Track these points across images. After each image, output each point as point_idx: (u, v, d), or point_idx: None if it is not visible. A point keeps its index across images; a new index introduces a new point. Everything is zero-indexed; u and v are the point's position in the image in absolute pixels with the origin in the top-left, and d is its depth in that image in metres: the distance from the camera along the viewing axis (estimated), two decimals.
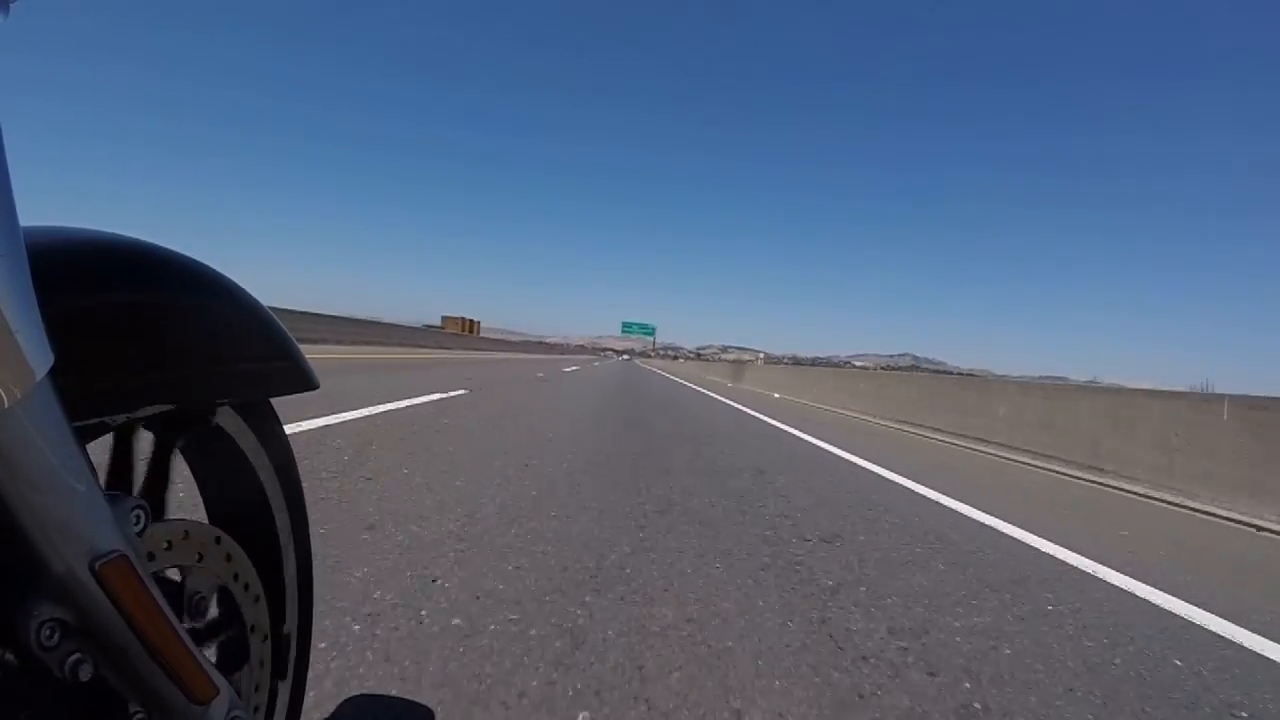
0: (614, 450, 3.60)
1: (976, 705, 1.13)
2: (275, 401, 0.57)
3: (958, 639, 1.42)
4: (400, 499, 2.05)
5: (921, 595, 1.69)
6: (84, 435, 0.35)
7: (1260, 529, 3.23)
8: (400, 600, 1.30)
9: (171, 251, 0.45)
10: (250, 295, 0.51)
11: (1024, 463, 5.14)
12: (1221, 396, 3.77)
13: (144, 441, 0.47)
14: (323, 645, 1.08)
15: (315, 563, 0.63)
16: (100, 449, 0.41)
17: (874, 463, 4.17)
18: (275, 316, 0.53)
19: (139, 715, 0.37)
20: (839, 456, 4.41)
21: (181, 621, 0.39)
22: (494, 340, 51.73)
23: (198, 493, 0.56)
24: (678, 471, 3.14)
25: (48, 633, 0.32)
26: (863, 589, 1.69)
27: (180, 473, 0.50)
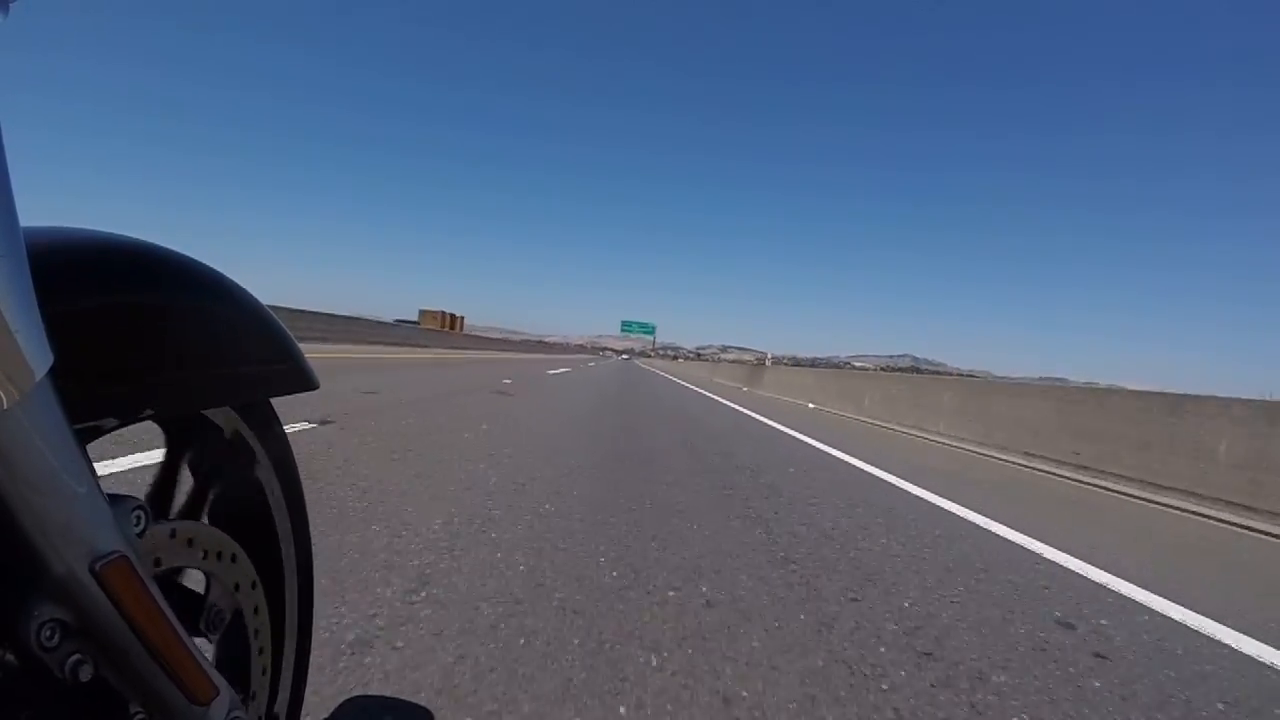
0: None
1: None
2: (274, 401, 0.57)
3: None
4: None
5: None
6: (84, 437, 0.35)
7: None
8: None
9: (172, 252, 0.45)
10: (250, 295, 0.51)
11: None
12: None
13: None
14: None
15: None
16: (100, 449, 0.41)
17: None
18: (275, 317, 0.54)
19: (139, 716, 0.37)
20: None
21: (181, 622, 0.39)
22: (480, 338, 44.43)
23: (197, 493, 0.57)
24: None
25: (48, 633, 0.32)
26: None
27: (181, 473, 0.50)
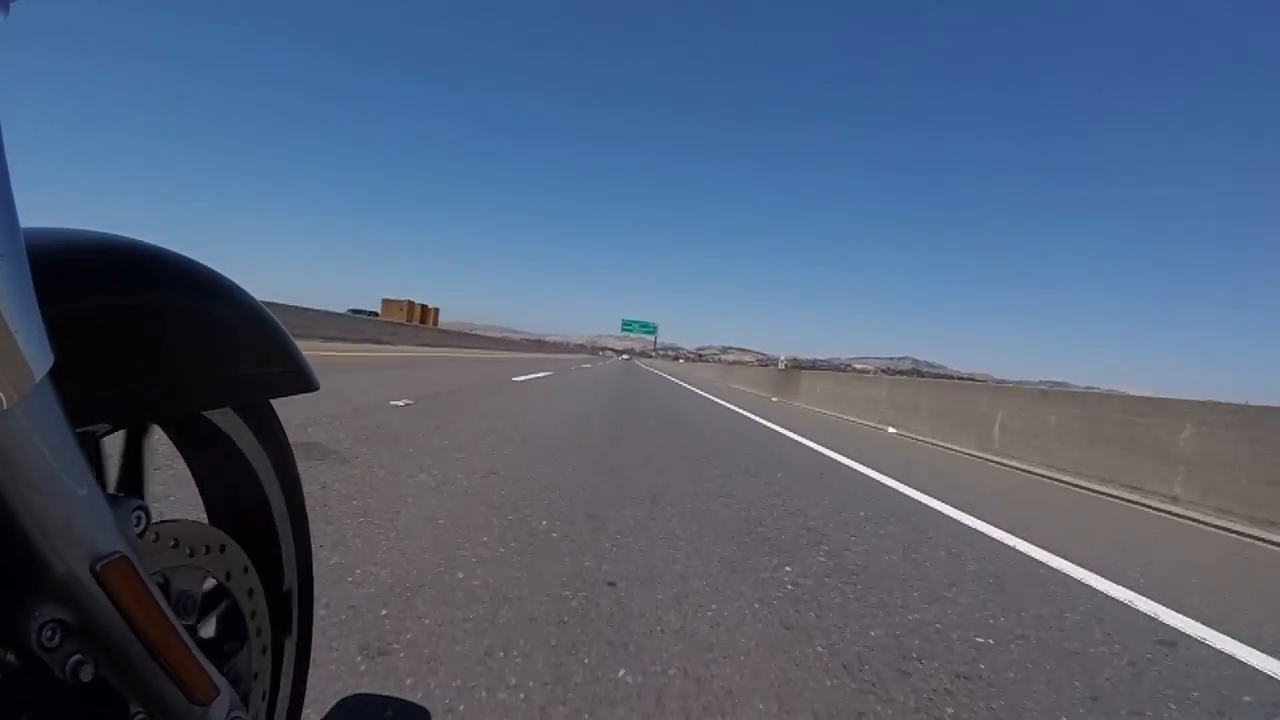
0: None
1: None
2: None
3: None
4: None
5: None
6: (83, 439, 0.35)
7: None
8: None
9: (171, 253, 0.45)
10: (250, 296, 0.51)
11: None
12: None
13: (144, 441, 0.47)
14: None
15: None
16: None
17: None
18: (275, 318, 0.54)
19: (140, 716, 0.37)
20: None
21: (182, 622, 0.39)
22: (460, 334, 36.86)
23: (198, 493, 0.56)
24: None
25: (49, 634, 0.32)
26: None
27: (180, 473, 0.50)
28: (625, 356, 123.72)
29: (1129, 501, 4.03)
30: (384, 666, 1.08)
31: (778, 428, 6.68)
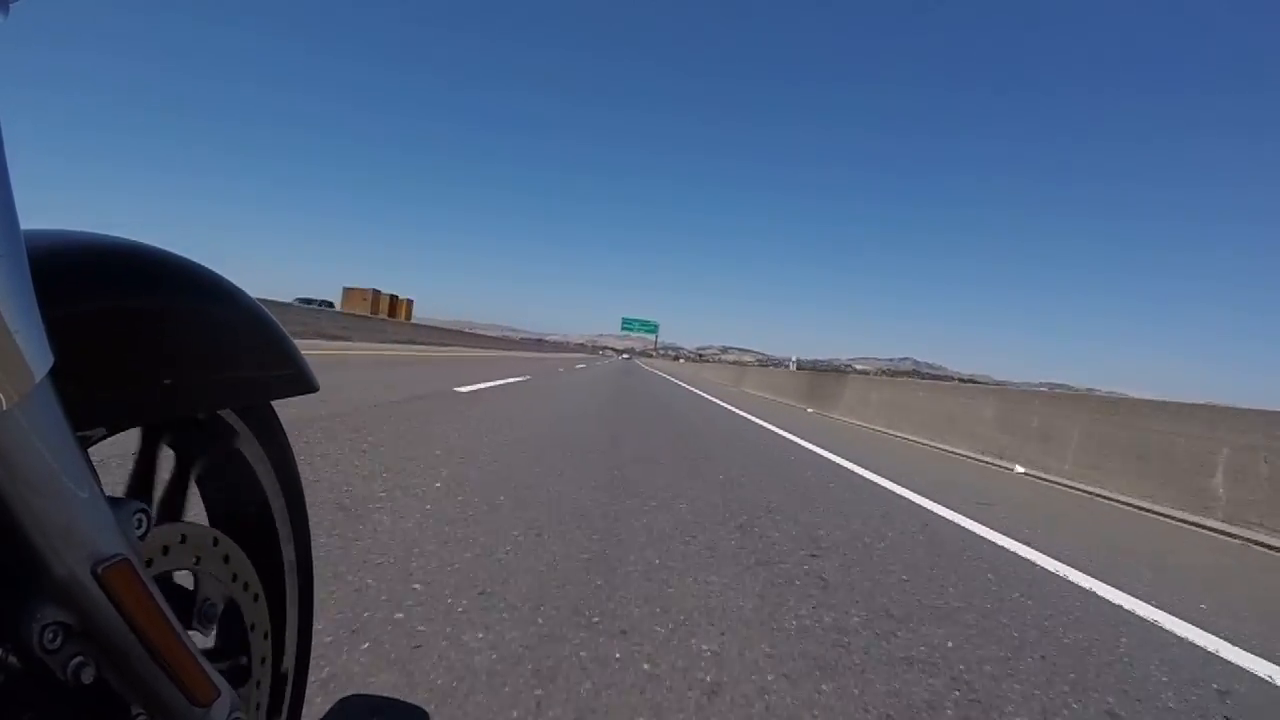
0: None
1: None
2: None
3: None
4: None
5: None
6: (85, 440, 0.35)
7: None
8: None
9: (172, 254, 0.45)
10: (250, 298, 0.51)
11: None
12: None
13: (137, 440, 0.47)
14: None
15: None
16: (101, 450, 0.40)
17: None
18: (275, 319, 0.54)
19: (141, 717, 0.37)
20: None
21: (183, 624, 0.39)
22: (439, 331, 30.83)
23: (197, 494, 0.56)
24: None
25: (50, 636, 0.32)
26: None
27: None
28: (625, 356, 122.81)
29: None
30: None
31: (866, 472, 4.08)
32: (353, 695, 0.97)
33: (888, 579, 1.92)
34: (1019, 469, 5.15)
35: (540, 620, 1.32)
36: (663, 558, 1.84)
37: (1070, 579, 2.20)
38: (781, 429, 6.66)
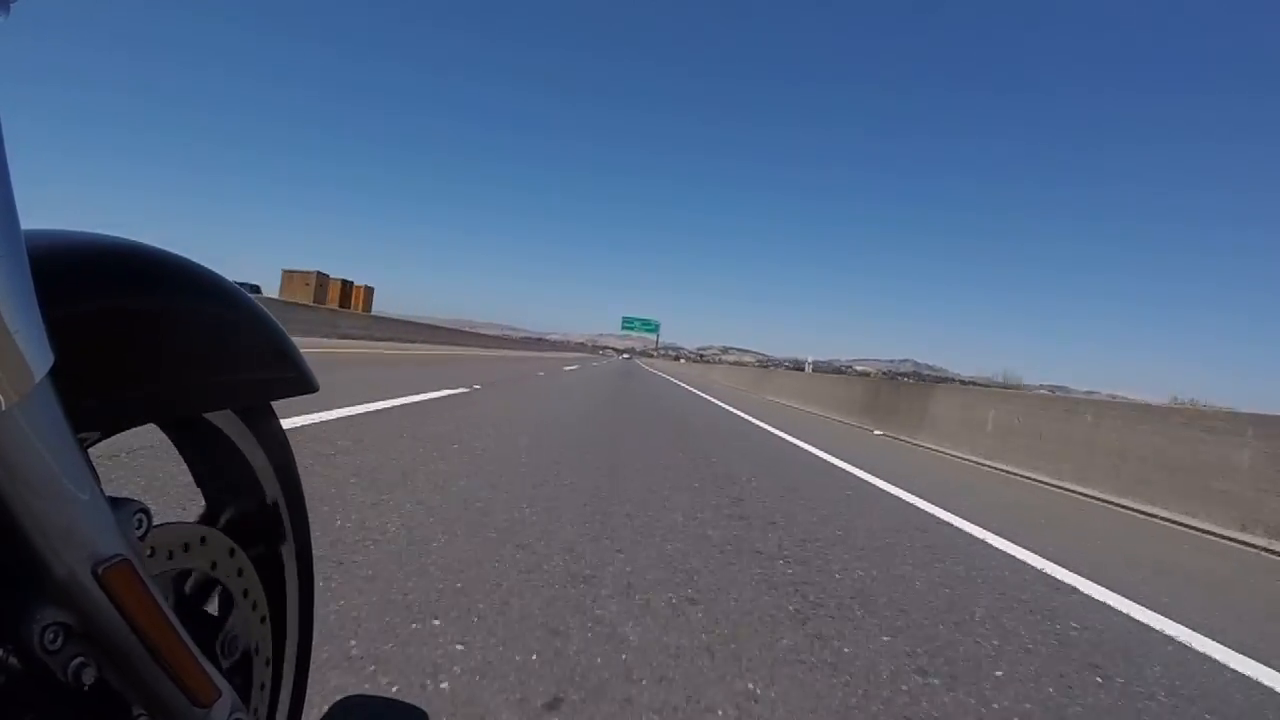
0: None
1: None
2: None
3: None
4: None
5: None
6: (85, 440, 0.35)
7: None
8: None
9: (172, 255, 0.45)
10: (250, 298, 0.51)
11: None
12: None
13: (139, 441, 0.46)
14: None
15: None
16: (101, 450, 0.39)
17: None
18: (276, 320, 0.54)
19: (142, 718, 0.37)
20: None
21: (183, 624, 0.39)
22: (406, 325, 25.37)
23: (197, 494, 0.56)
24: None
25: (51, 636, 0.32)
26: None
27: (180, 473, 0.50)
28: (625, 356, 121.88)
29: None
30: None
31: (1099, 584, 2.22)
32: (352, 695, 0.97)
33: None
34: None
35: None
36: None
37: None
38: (880, 478, 3.97)
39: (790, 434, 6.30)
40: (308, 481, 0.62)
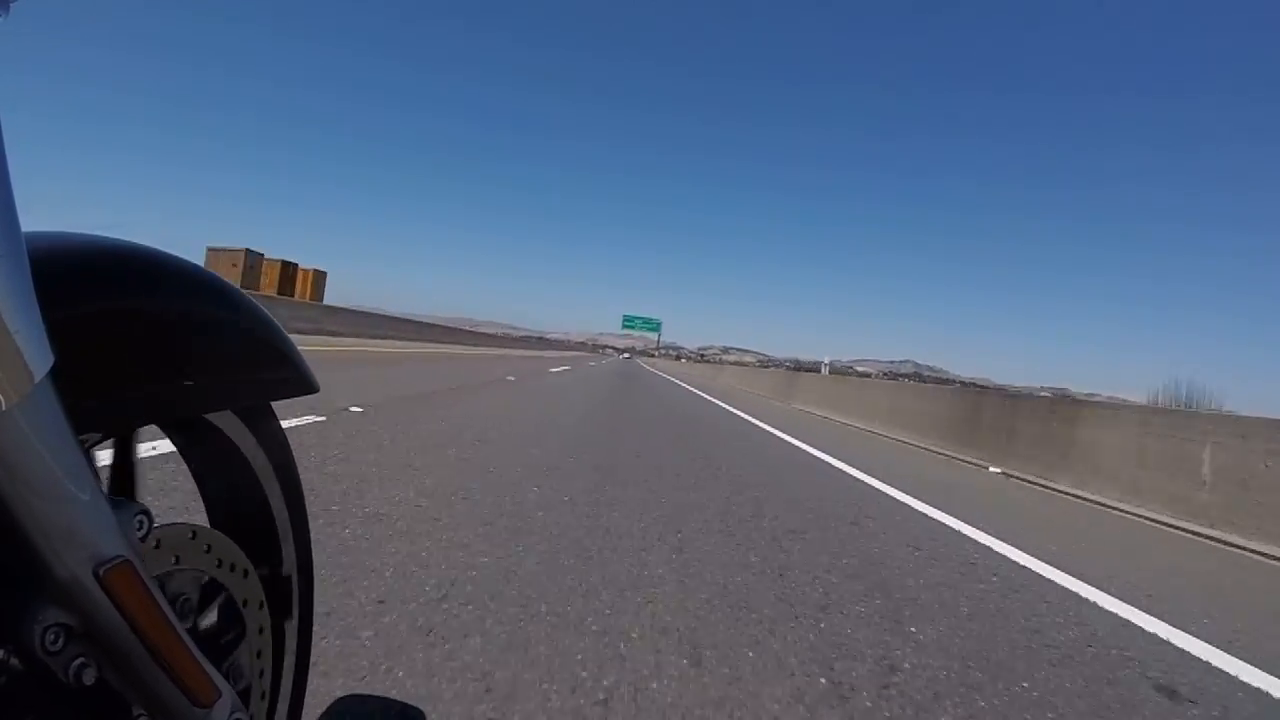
0: None
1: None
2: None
3: None
4: None
5: None
6: (86, 441, 0.35)
7: None
8: None
9: (172, 256, 0.45)
10: (250, 299, 0.51)
11: None
12: None
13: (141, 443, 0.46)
14: None
15: None
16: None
17: None
18: (276, 321, 0.54)
19: (142, 718, 0.38)
20: None
21: (183, 625, 0.39)
22: (369, 317, 21.86)
23: (198, 494, 0.56)
24: None
25: (52, 637, 0.32)
26: None
27: (181, 473, 0.50)
28: (626, 355, 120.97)
29: None
30: None
31: None
32: (350, 695, 0.97)
33: None
34: None
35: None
36: None
37: None
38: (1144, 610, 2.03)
39: (887, 483, 3.87)
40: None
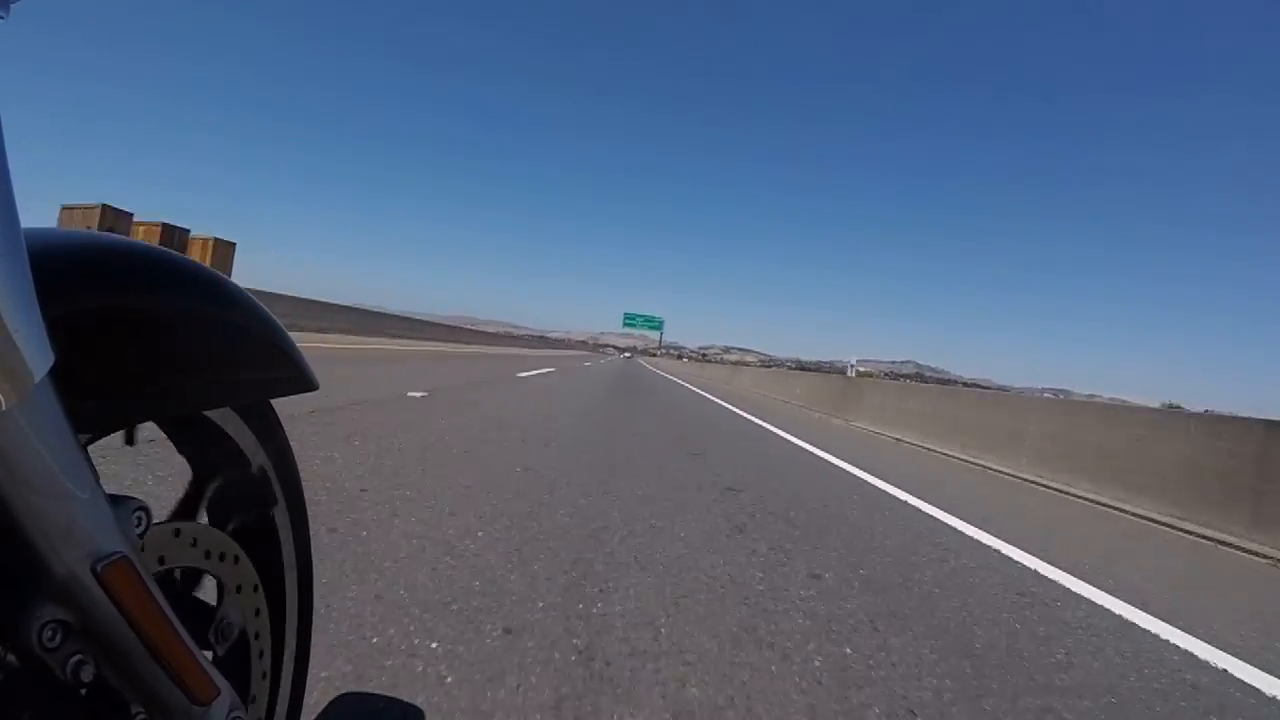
0: None
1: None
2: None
3: None
4: None
5: None
6: (85, 438, 0.35)
7: None
8: None
9: (172, 254, 0.46)
10: (250, 297, 0.51)
11: None
12: None
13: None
14: None
15: None
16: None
17: None
18: (275, 318, 0.54)
19: (140, 716, 0.37)
20: None
21: (182, 623, 0.39)
22: (292, 302, 15.84)
23: (196, 492, 0.56)
24: None
25: (50, 634, 0.32)
26: None
27: (181, 472, 0.50)
28: (627, 355, 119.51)
29: None
30: None
31: None
32: (349, 693, 0.97)
33: None
34: None
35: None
36: None
37: None
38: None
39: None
40: None
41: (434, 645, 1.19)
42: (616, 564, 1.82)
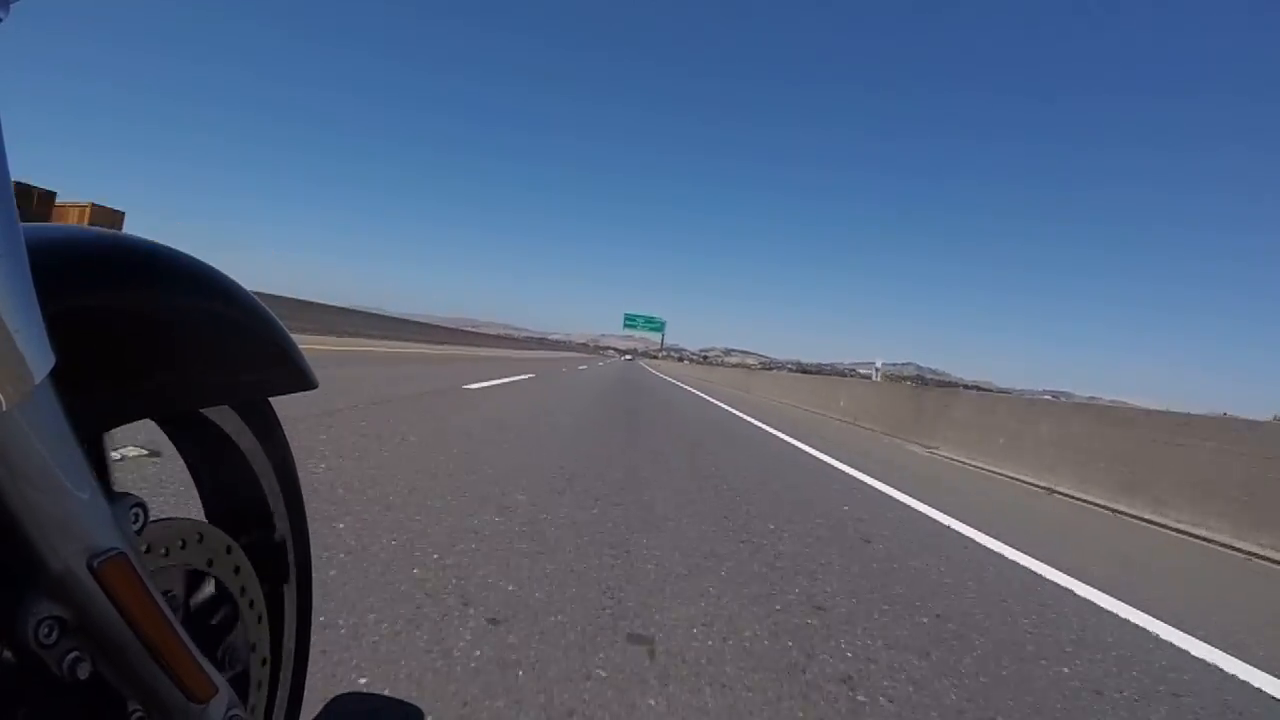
0: None
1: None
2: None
3: None
4: None
5: None
6: (82, 436, 0.35)
7: None
8: None
9: (172, 250, 0.45)
10: (250, 294, 0.51)
11: None
12: None
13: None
14: None
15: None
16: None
17: None
18: (275, 316, 0.54)
19: (137, 713, 0.37)
20: None
21: (180, 620, 0.39)
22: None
23: (194, 490, 0.56)
24: None
25: (46, 630, 0.32)
26: None
27: (180, 471, 0.50)
28: (628, 357, 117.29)
29: None
30: None
31: None
32: (348, 693, 0.96)
33: None
34: None
35: None
36: None
37: None
38: None
39: None
40: None
41: None
42: None
